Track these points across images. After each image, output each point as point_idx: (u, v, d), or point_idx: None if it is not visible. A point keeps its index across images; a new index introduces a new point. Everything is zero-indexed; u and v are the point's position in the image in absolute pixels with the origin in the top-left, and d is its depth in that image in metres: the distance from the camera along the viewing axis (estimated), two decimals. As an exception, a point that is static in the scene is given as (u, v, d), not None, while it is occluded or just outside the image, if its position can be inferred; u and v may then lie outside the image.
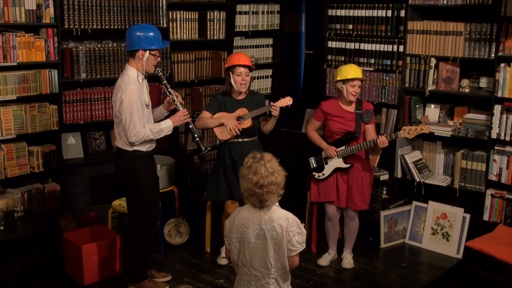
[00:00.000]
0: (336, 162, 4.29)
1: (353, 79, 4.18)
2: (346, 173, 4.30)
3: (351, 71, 4.19)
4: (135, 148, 3.75)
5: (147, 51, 3.68)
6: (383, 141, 4.08)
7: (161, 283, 4.08)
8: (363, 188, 4.29)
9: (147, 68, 3.74)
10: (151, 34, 3.69)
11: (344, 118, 4.27)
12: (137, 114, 3.63)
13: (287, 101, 4.23)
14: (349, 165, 4.26)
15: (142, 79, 3.74)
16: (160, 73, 3.86)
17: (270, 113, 4.22)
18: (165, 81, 3.87)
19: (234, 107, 4.26)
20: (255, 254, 2.87)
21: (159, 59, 3.79)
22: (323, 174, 4.36)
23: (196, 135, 3.97)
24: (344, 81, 4.21)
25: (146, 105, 3.74)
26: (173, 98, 3.87)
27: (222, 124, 4.19)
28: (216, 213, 4.64)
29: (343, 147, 4.25)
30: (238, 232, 2.89)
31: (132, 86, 3.63)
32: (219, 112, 4.26)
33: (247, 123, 4.22)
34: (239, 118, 4.21)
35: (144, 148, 3.79)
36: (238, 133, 4.17)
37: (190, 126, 3.94)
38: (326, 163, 4.34)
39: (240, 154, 4.19)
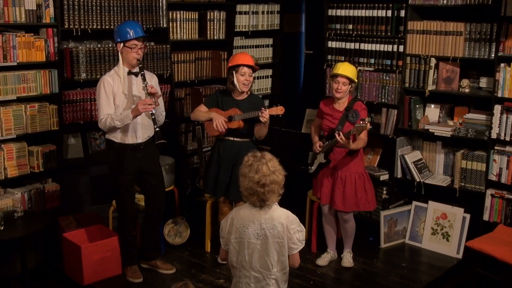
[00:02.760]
0: (319, 158, 4.38)
1: (336, 75, 4.20)
2: (331, 171, 4.33)
3: (337, 67, 4.23)
4: (107, 136, 4.07)
5: (121, 44, 3.92)
6: (340, 138, 4.03)
7: (137, 274, 4.21)
8: (346, 190, 4.27)
9: (127, 60, 3.95)
10: (124, 27, 3.94)
11: (332, 116, 4.30)
12: (103, 102, 3.91)
13: (278, 110, 4.15)
14: (325, 160, 4.31)
15: (128, 72, 3.96)
16: (140, 65, 3.97)
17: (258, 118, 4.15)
18: (143, 72, 3.96)
19: (230, 106, 4.29)
20: (255, 254, 2.86)
21: (139, 51, 3.94)
22: (311, 169, 4.46)
23: (155, 126, 3.92)
24: (331, 77, 4.28)
25: (124, 94, 3.95)
26: (145, 84, 3.89)
27: (211, 119, 4.24)
28: (216, 213, 4.64)
29: (326, 143, 4.29)
30: (237, 232, 2.88)
31: (105, 76, 3.96)
32: (215, 107, 4.31)
33: (235, 124, 4.23)
34: (229, 118, 4.23)
35: (116, 139, 4.01)
36: (223, 131, 4.21)
37: (153, 117, 3.93)
38: (316, 158, 4.42)
39: (228, 152, 4.31)
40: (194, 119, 4.49)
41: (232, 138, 4.31)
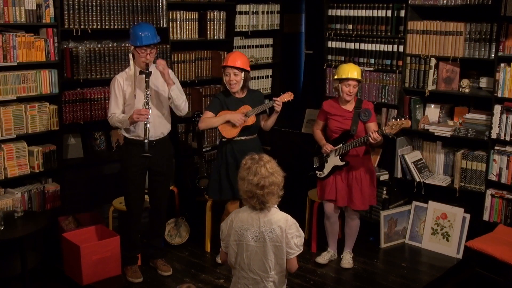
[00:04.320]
0: (334, 161, 4.31)
1: (347, 79, 4.20)
2: (345, 172, 4.31)
3: (346, 70, 4.21)
4: (122, 132, 4.15)
5: (132, 47, 3.98)
6: (375, 137, 4.04)
7: (137, 273, 4.21)
8: (363, 188, 4.29)
9: (137, 62, 3.99)
10: (137, 31, 3.94)
11: (342, 116, 4.29)
12: (112, 101, 4.03)
13: (288, 96, 4.31)
14: (344, 163, 4.26)
15: (140, 71, 3.98)
16: (147, 71, 3.95)
17: (273, 108, 4.27)
18: (148, 79, 3.94)
19: (236, 106, 4.29)
20: (254, 257, 2.86)
21: (148, 56, 3.95)
22: (323, 173, 4.38)
23: (145, 137, 3.90)
24: (340, 80, 4.24)
25: (134, 94, 4.00)
26: (147, 92, 3.92)
27: (227, 122, 4.23)
28: (216, 213, 4.65)
29: (340, 145, 4.26)
30: (236, 235, 2.88)
31: (117, 76, 4.04)
32: (221, 111, 4.29)
33: (252, 120, 4.27)
34: (245, 115, 4.25)
35: (128, 134, 4.09)
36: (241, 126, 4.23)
37: (146, 127, 3.91)
38: (326, 162, 4.36)
39: (242, 152, 4.23)
40: (206, 128, 4.48)
41: (243, 138, 4.29)
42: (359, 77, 4.21)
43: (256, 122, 4.32)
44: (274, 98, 4.28)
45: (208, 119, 4.28)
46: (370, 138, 4.04)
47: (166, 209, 4.39)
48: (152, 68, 3.98)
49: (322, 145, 4.35)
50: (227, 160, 4.31)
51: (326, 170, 4.36)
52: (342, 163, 4.27)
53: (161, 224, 4.46)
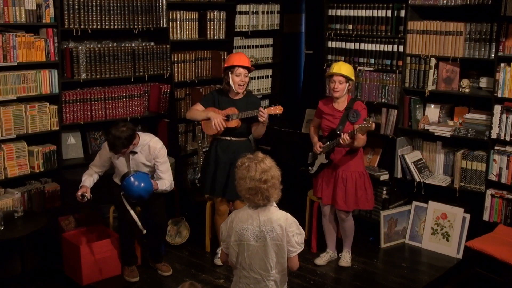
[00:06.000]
0: (320, 158, 4.37)
1: (331, 76, 4.23)
2: (332, 171, 4.34)
3: (333, 67, 4.26)
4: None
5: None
6: (343, 138, 4.06)
7: (134, 273, 4.21)
8: (348, 189, 4.28)
9: None
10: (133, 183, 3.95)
11: (332, 116, 4.31)
12: (96, 157, 4.20)
13: (277, 109, 4.20)
14: (327, 161, 4.30)
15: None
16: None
17: (257, 118, 4.17)
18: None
19: (226, 106, 4.28)
20: (255, 256, 2.86)
21: None
22: (312, 169, 4.44)
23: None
24: (328, 77, 4.30)
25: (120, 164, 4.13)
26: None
27: (208, 118, 4.22)
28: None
29: (327, 143, 4.29)
30: (236, 235, 2.88)
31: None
32: (210, 107, 4.30)
33: (234, 123, 4.23)
34: (227, 117, 4.23)
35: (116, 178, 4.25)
36: (222, 129, 4.18)
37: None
38: (316, 159, 4.40)
39: (225, 152, 4.29)
40: (191, 118, 4.45)
41: (229, 138, 4.30)
42: (344, 73, 4.19)
43: (245, 127, 4.28)
44: (260, 109, 4.14)
45: (195, 110, 4.32)
46: (340, 139, 4.06)
47: (166, 222, 4.44)
48: (137, 148, 4.06)
49: (314, 143, 4.41)
50: (209, 157, 4.36)
51: (315, 167, 4.42)
52: (326, 161, 4.32)
53: (161, 239, 4.45)
